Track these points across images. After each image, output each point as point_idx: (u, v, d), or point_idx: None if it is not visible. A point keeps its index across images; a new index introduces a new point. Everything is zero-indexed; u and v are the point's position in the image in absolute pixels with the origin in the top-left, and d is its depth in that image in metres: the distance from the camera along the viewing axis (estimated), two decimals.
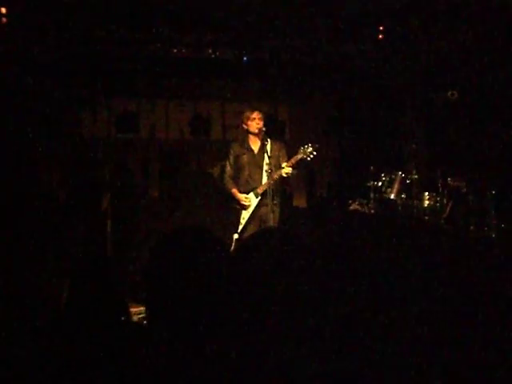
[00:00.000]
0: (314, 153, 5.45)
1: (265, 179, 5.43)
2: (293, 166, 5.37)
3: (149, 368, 1.45)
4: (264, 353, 1.50)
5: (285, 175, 5.35)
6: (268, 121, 5.80)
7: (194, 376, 1.45)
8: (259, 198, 5.45)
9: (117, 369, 1.48)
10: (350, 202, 6.80)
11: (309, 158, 5.46)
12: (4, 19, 6.34)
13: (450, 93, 7.27)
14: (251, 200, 5.49)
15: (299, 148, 5.48)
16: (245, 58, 7.48)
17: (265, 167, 5.38)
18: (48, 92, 7.23)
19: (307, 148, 5.45)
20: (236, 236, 5.34)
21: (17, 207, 6.14)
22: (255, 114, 5.54)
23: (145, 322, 1.67)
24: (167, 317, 1.56)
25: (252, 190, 5.50)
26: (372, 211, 6.52)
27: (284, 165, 5.37)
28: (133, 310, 1.90)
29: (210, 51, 7.36)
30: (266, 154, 5.32)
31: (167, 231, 1.69)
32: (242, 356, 1.48)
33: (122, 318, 1.79)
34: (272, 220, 5.23)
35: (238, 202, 5.52)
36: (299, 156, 5.42)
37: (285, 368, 1.48)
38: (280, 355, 1.50)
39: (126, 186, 7.48)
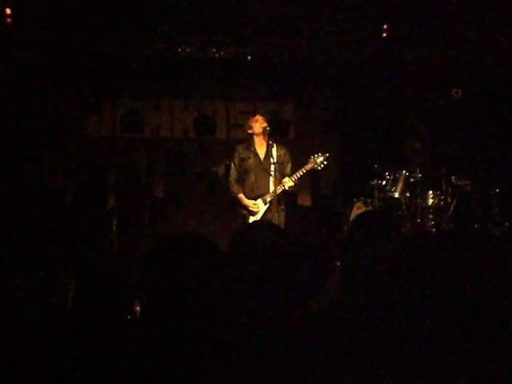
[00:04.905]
0: (325, 163, 5.33)
1: (271, 185, 5.32)
2: (296, 181, 5.26)
3: (149, 367, 1.46)
4: (256, 354, 1.51)
5: (288, 189, 5.26)
6: (273, 120, 5.77)
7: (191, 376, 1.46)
8: (267, 204, 5.34)
9: (123, 367, 1.49)
10: (355, 200, 6.80)
11: (319, 168, 5.35)
12: (9, 20, 6.37)
13: (453, 91, 7.27)
14: (259, 206, 5.36)
15: (309, 157, 5.36)
16: (249, 58, 7.48)
17: (271, 173, 5.25)
18: (53, 92, 7.27)
19: (317, 158, 5.34)
20: None
21: (22, 207, 6.17)
22: (257, 117, 5.56)
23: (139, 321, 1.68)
24: (161, 321, 1.56)
25: (259, 196, 5.37)
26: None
27: (287, 179, 5.25)
28: (138, 308, 1.91)
29: (215, 50, 7.36)
30: (272, 160, 5.25)
31: (161, 239, 1.69)
32: (235, 355, 1.49)
33: (128, 317, 1.81)
34: (277, 222, 5.12)
35: (245, 207, 5.39)
36: (309, 166, 5.31)
37: (281, 367, 1.49)
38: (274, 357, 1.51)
39: (131, 186, 7.48)
